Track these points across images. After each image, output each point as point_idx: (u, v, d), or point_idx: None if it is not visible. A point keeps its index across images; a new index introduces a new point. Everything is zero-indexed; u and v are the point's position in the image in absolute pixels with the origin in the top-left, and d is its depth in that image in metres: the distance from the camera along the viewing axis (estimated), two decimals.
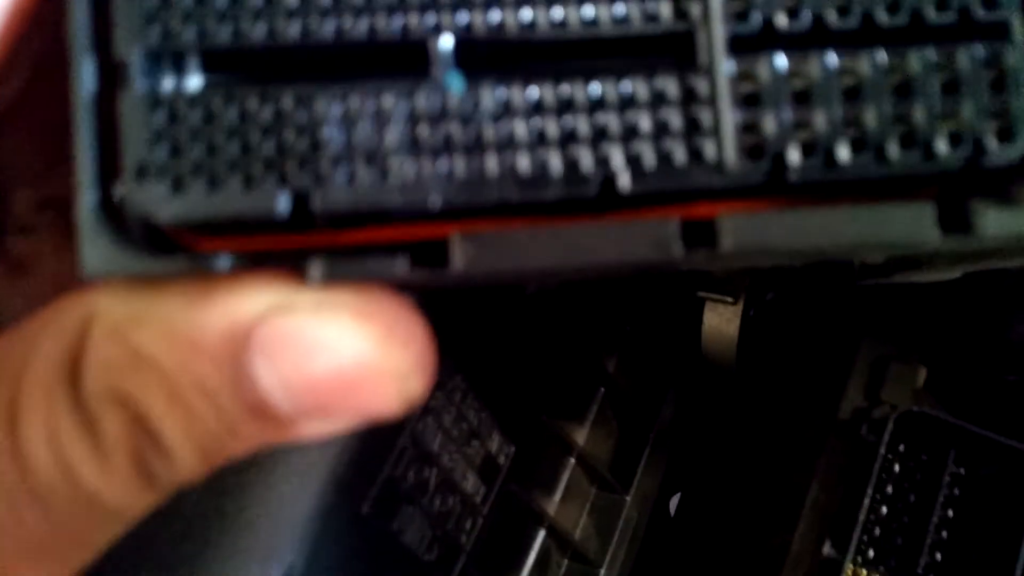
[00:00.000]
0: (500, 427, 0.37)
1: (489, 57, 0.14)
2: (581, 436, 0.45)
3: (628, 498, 0.47)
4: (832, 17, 0.14)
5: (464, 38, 0.14)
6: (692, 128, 0.14)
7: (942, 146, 0.14)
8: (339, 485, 0.27)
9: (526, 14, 0.14)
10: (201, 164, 0.14)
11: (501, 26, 0.14)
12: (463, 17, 0.14)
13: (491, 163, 0.14)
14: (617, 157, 0.14)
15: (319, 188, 0.14)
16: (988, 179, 0.15)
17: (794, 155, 0.14)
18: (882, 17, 0.14)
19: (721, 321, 0.44)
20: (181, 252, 0.14)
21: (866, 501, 0.36)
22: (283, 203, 0.14)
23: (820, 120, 0.14)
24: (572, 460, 0.44)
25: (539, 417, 0.41)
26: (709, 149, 0.14)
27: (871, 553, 0.38)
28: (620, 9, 0.14)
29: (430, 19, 0.14)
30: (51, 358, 0.14)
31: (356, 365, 0.14)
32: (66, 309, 0.14)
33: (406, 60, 0.14)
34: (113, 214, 0.14)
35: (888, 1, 0.14)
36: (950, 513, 0.38)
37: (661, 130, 0.14)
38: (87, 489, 0.14)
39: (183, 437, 0.14)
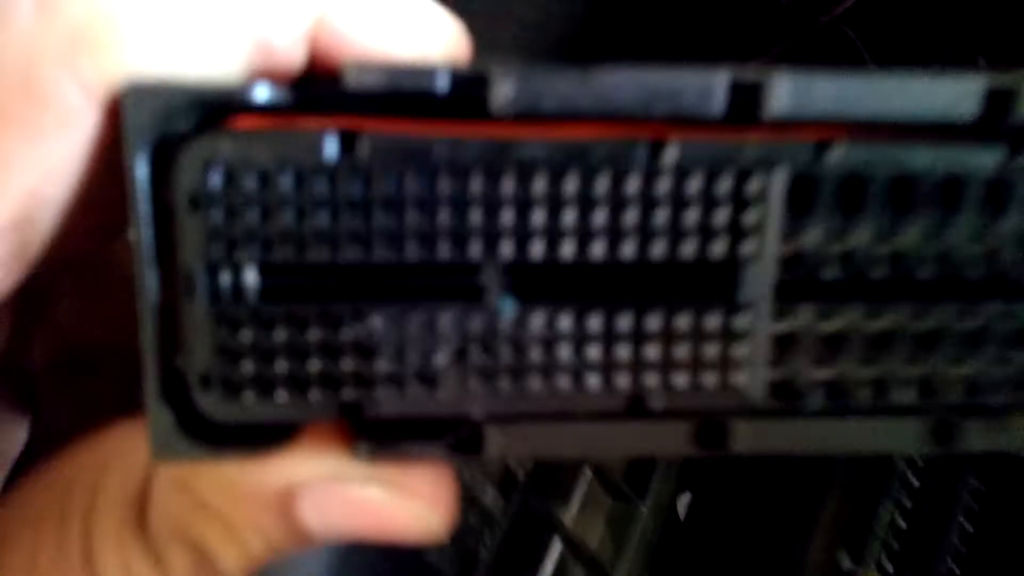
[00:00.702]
0: None
1: (540, 283, 0.15)
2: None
3: (643, 508, 0.47)
4: (876, 273, 0.16)
5: (518, 263, 0.15)
6: (727, 360, 0.16)
7: (951, 395, 0.16)
8: None
9: (578, 242, 0.15)
10: (257, 376, 0.15)
11: (554, 253, 0.15)
12: (518, 243, 0.15)
13: (534, 383, 0.16)
14: (653, 380, 0.16)
15: (369, 401, 0.15)
16: (984, 410, 0.17)
17: (816, 398, 0.16)
18: (920, 273, 0.16)
19: None
20: (236, 446, 0.16)
21: (883, 512, 0.36)
22: (331, 414, 0.15)
23: (844, 366, 0.16)
24: (588, 471, 0.44)
25: None
26: (740, 380, 0.16)
27: (889, 567, 0.38)
28: (670, 244, 0.15)
29: (486, 244, 0.15)
30: (119, 502, 0.17)
31: (387, 522, 0.17)
32: (124, 454, 0.17)
33: (461, 282, 0.15)
34: (176, 407, 0.15)
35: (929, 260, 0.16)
36: (968, 527, 0.38)
37: (699, 360, 0.16)
38: None
39: (236, 564, 0.17)
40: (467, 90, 0.15)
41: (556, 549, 0.41)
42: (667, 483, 0.49)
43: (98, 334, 0.21)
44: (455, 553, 0.33)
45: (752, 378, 0.16)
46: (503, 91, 0.15)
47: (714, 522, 0.51)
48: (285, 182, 0.14)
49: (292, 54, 0.16)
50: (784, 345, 0.16)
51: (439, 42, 0.17)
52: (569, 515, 0.43)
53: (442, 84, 0.15)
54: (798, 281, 0.16)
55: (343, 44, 0.16)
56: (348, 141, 0.15)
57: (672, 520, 0.49)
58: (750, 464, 0.51)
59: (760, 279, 0.16)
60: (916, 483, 0.38)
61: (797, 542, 0.41)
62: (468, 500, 0.34)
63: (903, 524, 0.38)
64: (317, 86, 0.16)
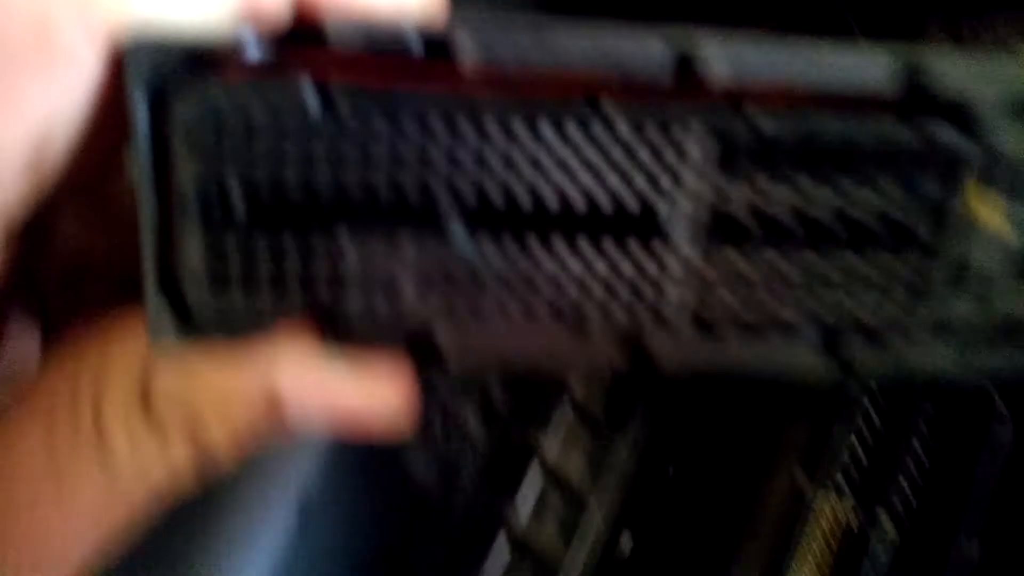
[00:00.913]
0: (501, 378, 0.40)
1: (495, 219, 0.18)
2: (577, 385, 0.47)
3: (621, 443, 0.50)
4: (786, 223, 0.19)
5: (474, 201, 0.18)
6: (656, 292, 0.19)
7: (848, 329, 0.19)
8: None
9: (531, 187, 0.18)
10: (240, 278, 0.18)
11: (510, 195, 0.18)
12: (474, 183, 0.17)
13: (486, 304, 0.18)
14: (592, 307, 0.18)
15: (339, 307, 0.18)
16: (876, 341, 0.20)
17: (729, 327, 0.19)
18: (828, 224, 0.19)
19: None
20: (223, 334, 0.18)
21: (841, 440, 0.39)
22: (306, 314, 0.18)
23: (756, 301, 0.19)
24: (568, 408, 0.47)
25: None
26: (666, 309, 0.19)
27: (847, 489, 0.40)
28: (609, 191, 0.18)
29: (446, 182, 0.17)
30: (125, 387, 0.19)
31: (360, 415, 0.19)
32: (126, 345, 0.19)
33: (423, 214, 0.18)
34: (171, 301, 0.18)
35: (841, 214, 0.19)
36: (917, 446, 0.40)
37: (632, 291, 0.19)
38: (155, 478, 0.19)
39: (227, 446, 0.19)
40: (435, 46, 0.17)
41: (536, 478, 0.44)
42: (643, 419, 0.52)
43: (101, 257, 0.24)
44: (439, 472, 0.35)
45: (676, 308, 0.19)
46: (466, 48, 0.17)
47: (687, 453, 0.53)
48: (267, 127, 0.17)
49: (278, 11, 0.18)
50: (704, 281, 0.19)
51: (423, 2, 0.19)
52: (549, 447, 0.45)
53: (413, 41, 0.17)
54: (720, 227, 0.19)
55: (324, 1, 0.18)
56: (326, 93, 0.17)
57: (648, 455, 0.52)
58: (719, 400, 0.53)
59: (688, 224, 0.18)
60: (868, 407, 0.41)
61: (762, 469, 0.43)
62: (450, 425, 0.36)
63: (861, 450, 0.41)
64: (300, 42, 0.18)
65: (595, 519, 0.48)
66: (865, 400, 0.41)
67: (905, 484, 0.40)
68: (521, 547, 0.43)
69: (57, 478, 0.19)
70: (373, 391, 0.19)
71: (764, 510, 0.42)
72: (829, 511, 0.41)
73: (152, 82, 0.17)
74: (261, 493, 0.29)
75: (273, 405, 0.19)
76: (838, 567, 0.40)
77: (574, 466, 0.48)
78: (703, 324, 0.19)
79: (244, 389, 0.19)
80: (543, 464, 0.45)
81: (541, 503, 0.45)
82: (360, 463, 0.31)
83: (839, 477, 0.40)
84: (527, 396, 0.43)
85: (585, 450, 0.49)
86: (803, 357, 0.20)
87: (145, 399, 0.19)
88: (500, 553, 0.42)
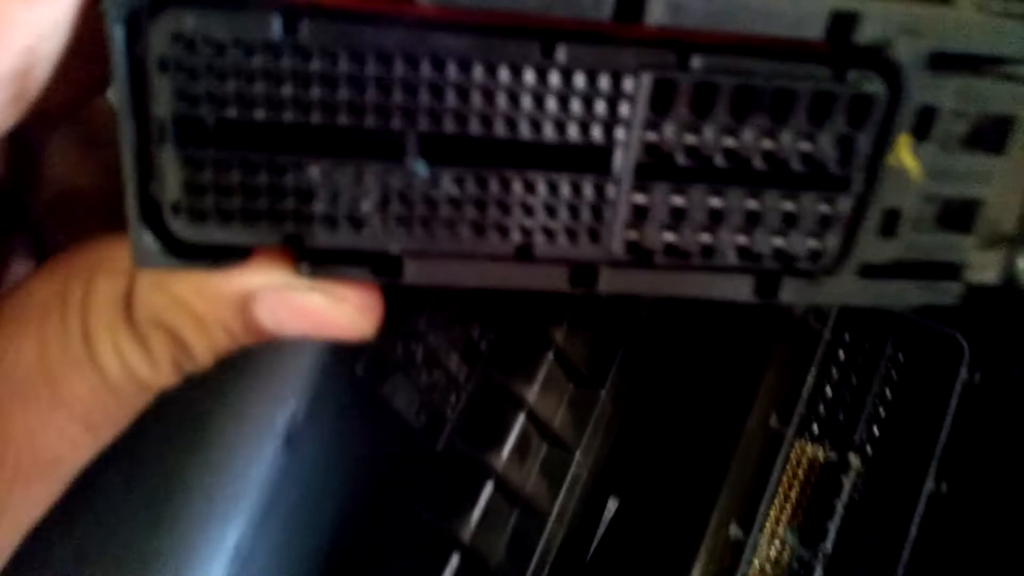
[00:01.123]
0: (481, 316, 0.41)
1: (451, 151, 0.19)
2: (559, 334, 0.48)
3: (603, 393, 0.51)
4: (717, 162, 0.20)
5: (432, 134, 0.18)
6: (597, 221, 0.20)
7: (772, 260, 0.21)
8: (335, 346, 0.31)
9: (482, 121, 0.18)
10: (216, 208, 0.18)
11: (461, 126, 0.18)
12: (432, 118, 0.18)
13: (442, 229, 0.19)
14: (539, 233, 0.20)
15: (309, 233, 0.19)
16: (798, 273, 0.21)
17: (662, 256, 0.20)
18: (757, 163, 0.20)
19: None
20: (202, 259, 0.19)
21: (809, 380, 0.40)
22: (278, 240, 0.19)
23: (687, 233, 0.20)
24: (550, 355, 0.48)
25: (518, 311, 0.45)
26: (605, 237, 0.20)
27: (815, 428, 0.42)
28: (557, 128, 0.19)
29: (405, 116, 0.18)
30: (109, 296, 0.20)
31: (326, 323, 0.21)
32: (112, 257, 0.20)
33: (384, 146, 0.18)
34: (152, 227, 0.19)
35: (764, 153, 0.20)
36: (887, 393, 0.42)
37: (575, 219, 0.20)
38: (141, 380, 0.21)
39: (205, 350, 0.21)
40: None
41: (519, 420, 0.45)
42: (626, 372, 0.53)
43: (85, 180, 0.25)
44: (421, 406, 0.37)
45: (615, 236, 0.20)
46: None
47: (668, 400, 0.55)
48: (236, 52, 0.17)
49: None
50: (640, 212, 0.20)
51: None
52: (532, 394, 0.47)
53: None
54: (656, 164, 0.20)
55: None
56: (291, 21, 0.17)
57: (631, 405, 0.53)
58: (696, 351, 0.54)
59: (626, 160, 0.19)
60: (841, 355, 0.42)
61: (740, 415, 0.44)
62: (432, 362, 0.37)
63: (832, 395, 0.42)
64: None
65: (581, 466, 0.50)
66: (838, 348, 0.42)
67: (875, 427, 0.41)
68: (505, 489, 0.45)
69: (50, 380, 0.20)
70: (343, 310, 0.21)
71: (742, 453, 0.43)
72: (803, 453, 0.42)
73: (127, 11, 0.17)
74: (248, 425, 0.30)
75: (245, 321, 0.20)
76: (812, 506, 0.41)
77: (559, 417, 0.50)
78: (639, 251, 0.20)
79: (219, 310, 0.20)
80: (529, 413, 0.46)
81: (525, 448, 0.46)
82: (344, 397, 0.32)
83: (812, 421, 0.41)
84: (510, 346, 0.44)
85: (569, 401, 0.50)
86: (730, 284, 0.21)
87: (128, 314, 0.20)
88: (486, 495, 0.43)
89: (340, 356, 0.31)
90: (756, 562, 0.41)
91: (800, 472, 0.42)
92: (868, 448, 0.41)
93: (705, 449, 0.47)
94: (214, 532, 0.28)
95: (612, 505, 0.58)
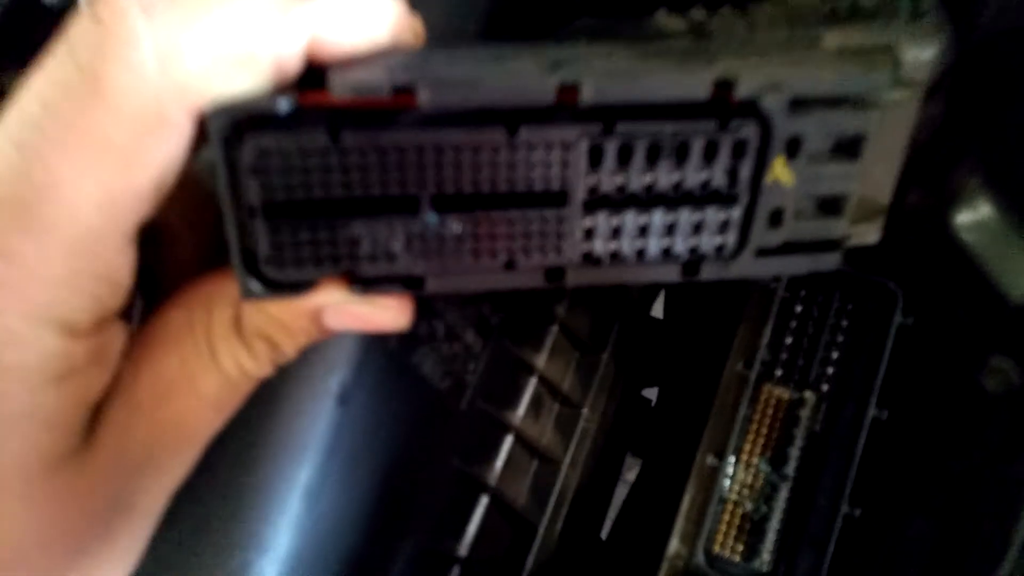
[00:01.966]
0: (491, 297, 0.49)
1: (455, 203, 0.26)
2: (562, 309, 0.56)
3: (604, 356, 0.59)
4: (640, 193, 0.26)
5: (440, 194, 0.26)
6: (559, 240, 0.27)
7: (687, 256, 0.28)
8: None
9: (472, 183, 0.26)
10: (294, 257, 0.26)
11: (457, 187, 0.26)
12: (437, 184, 0.25)
13: (452, 257, 0.27)
14: (520, 253, 0.27)
15: (357, 267, 0.26)
16: (717, 258, 0.28)
17: (608, 259, 0.27)
18: (669, 192, 0.27)
19: None
20: (287, 290, 0.26)
21: (767, 331, 0.47)
22: (337, 274, 0.26)
23: (624, 241, 0.27)
24: (555, 328, 0.55)
25: (523, 294, 0.52)
26: (567, 251, 0.27)
27: (779, 372, 0.49)
28: (526, 182, 0.26)
29: (418, 185, 0.25)
30: (225, 318, 0.27)
31: (374, 323, 0.28)
32: (224, 290, 0.27)
33: (406, 205, 0.26)
34: (251, 270, 0.26)
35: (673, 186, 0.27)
36: (839, 338, 0.49)
37: (543, 241, 0.27)
38: (250, 374, 0.29)
39: (292, 348, 0.28)
40: (403, 92, 0.23)
41: (531, 383, 0.53)
42: (625, 336, 0.61)
43: (197, 237, 0.31)
44: (445, 373, 0.45)
45: (573, 249, 0.27)
46: (423, 97, 0.23)
47: (661, 359, 0.62)
48: (299, 156, 0.24)
49: (296, 65, 0.25)
50: (589, 232, 0.26)
51: (392, 31, 0.27)
52: (541, 361, 0.54)
53: (384, 93, 0.23)
54: (597, 199, 0.26)
55: (327, 50, 0.25)
56: (334, 132, 0.23)
57: (629, 366, 0.61)
58: (682, 318, 0.62)
59: (576, 198, 0.26)
60: (799, 308, 0.50)
61: (717, 366, 0.52)
62: (452, 336, 0.45)
63: (791, 344, 0.50)
64: (311, 87, 0.24)
65: (589, 421, 0.58)
66: (795, 303, 0.49)
67: (828, 367, 0.49)
68: (524, 442, 0.53)
69: (190, 380, 0.28)
70: (385, 313, 0.28)
71: (721, 397, 0.51)
72: (771, 394, 0.50)
73: (225, 134, 0.23)
74: (309, 388, 0.38)
75: (318, 326, 0.28)
76: (779, 437, 0.49)
77: (567, 379, 0.57)
78: (592, 258, 0.27)
79: (301, 321, 0.28)
80: (540, 378, 0.54)
81: (539, 407, 0.54)
82: (381, 365, 0.40)
83: (776, 366, 0.49)
84: (519, 321, 0.52)
85: (576, 366, 0.58)
86: (663, 270, 0.28)
87: (239, 330, 0.28)
88: (507, 446, 0.51)
89: (377, 335, 0.39)
90: (736, 487, 0.48)
91: (769, 411, 0.49)
92: (823, 385, 0.48)
93: (692, 397, 0.55)
94: (288, 472, 0.37)
95: (628, 461, 0.66)
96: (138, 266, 0.26)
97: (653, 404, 0.69)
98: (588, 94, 0.24)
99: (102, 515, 0.28)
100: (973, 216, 0.47)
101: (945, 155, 0.49)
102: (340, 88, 0.24)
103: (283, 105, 0.24)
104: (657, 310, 0.69)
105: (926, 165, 0.49)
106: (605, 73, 0.25)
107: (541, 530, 0.52)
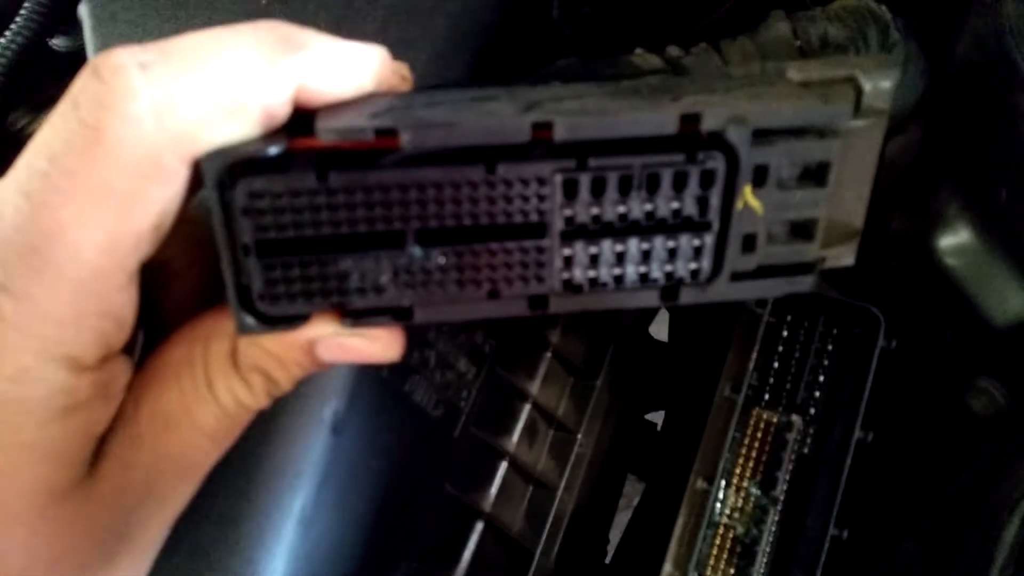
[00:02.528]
0: (483, 325, 0.50)
1: (437, 236, 0.27)
2: (554, 335, 0.57)
3: (598, 383, 0.59)
4: (615, 222, 0.27)
5: (423, 228, 0.27)
6: (540, 270, 0.28)
7: (663, 281, 0.29)
8: None
9: (454, 216, 0.27)
10: (286, 293, 0.27)
11: (440, 221, 0.27)
12: (421, 219, 0.26)
13: (437, 288, 0.28)
14: (503, 282, 0.28)
15: (348, 300, 0.27)
16: (694, 283, 0.29)
17: (587, 286, 0.28)
18: (642, 221, 0.28)
19: None
20: (281, 324, 0.27)
21: (754, 355, 0.48)
22: (328, 307, 0.28)
23: (602, 268, 0.28)
24: (548, 354, 0.56)
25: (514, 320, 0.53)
26: (547, 279, 0.28)
27: (767, 396, 0.50)
28: (505, 215, 0.27)
29: (402, 221, 0.26)
30: (222, 353, 0.28)
31: (365, 355, 0.29)
32: (220, 326, 0.29)
33: (391, 240, 0.27)
34: (246, 306, 0.27)
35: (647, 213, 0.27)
36: (825, 362, 0.50)
37: (525, 270, 0.28)
38: (246, 407, 0.30)
39: (287, 380, 0.29)
40: (386, 135, 0.24)
41: (525, 410, 0.54)
42: (618, 363, 0.62)
43: (195, 274, 0.32)
44: (438, 401, 0.46)
45: (554, 278, 0.28)
46: (405, 139, 0.24)
47: (654, 387, 0.63)
48: (289, 197, 0.25)
49: (284, 112, 0.26)
50: (568, 261, 0.27)
51: (376, 77, 0.29)
52: (535, 387, 0.55)
53: (368, 136, 0.24)
54: (573, 229, 0.26)
55: (314, 97, 0.26)
56: (322, 174, 0.24)
57: (624, 392, 0.62)
58: (674, 344, 0.63)
59: (554, 228, 0.27)
60: (785, 333, 0.51)
61: (708, 389, 0.53)
62: (444, 364, 0.46)
63: (776, 364, 0.50)
64: (299, 133, 0.25)
65: (584, 447, 0.58)
66: (781, 328, 0.50)
67: (815, 390, 0.50)
68: (519, 468, 0.53)
69: (188, 414, 0.29)
70: (376, 345, 0.29)
71: (712, 422, 0.51)
72: (761, 419, 0.50)
73: (219, 178, 0.24)
74: (303, 418, 0.39)
75: (312, 359, 0.29)
76: (768, 461, 0.50)
77: (562, 406, 0.58)
78: (572, 285, 0.28)
79: (294, 353, 0.29)
80: (534, 404, 0.55)
81: (533, 433, 0.55)
82: (374, 395, 0.41)
83: (764, 390, 0.50)
84: (511, 348, 0.53)
85: (570, 392, 0.59)
86: (643, 296, 0.29)
87: (235, 364, 0.29)
88: (502, 473, 0.52)
89: (369, 364, 0.41)
90: (727, 511, 0.49)
91: (759, 434, 0.50)
92: (810, 408, 0.49)
93: (687, 421, 0.56)
94: (283, 500, 0.38)
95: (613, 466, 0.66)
96: (140, 303, 0.27)
97: (658, 428, 0.70)
98: (561, 131, 0.25)
99: (105, 544, 0.29)
100: (955, 241, 0.48)
101: (925, 181, 0.50)
102: (326, 133, 0.25)
103: (273, 149, 0.25)
104: (662, 333, 0.71)
105: (908, 191, 0.50)
106: (577, 111, 0.26)
107: (537, 556, 0.53)
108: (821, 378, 0.49)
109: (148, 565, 0.31)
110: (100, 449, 0.28)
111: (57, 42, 0.51)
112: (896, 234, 0.52)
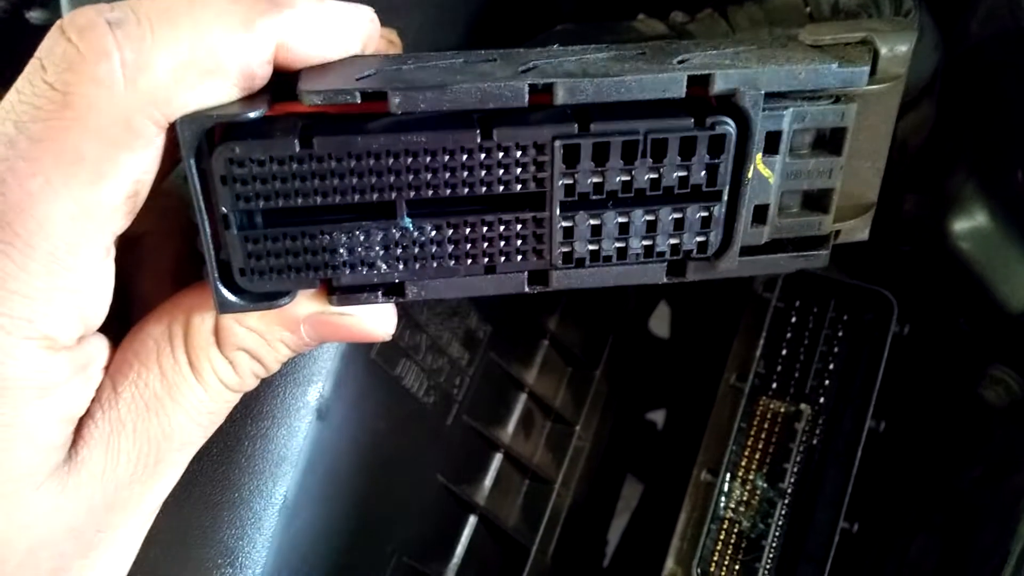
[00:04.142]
0: (477, 309, 0.48)
1: (431, 207, 0.25)
2: (553, 322, 0.55)
3: (597, 373, 0.57)
4: (620, 191, 0.26)
5: (415, 198, 0.25)
6: (540, 242, 0.26)
7: (670, 255, 0.27)
8: None
9: (449, 186, 0.25)
10: (269, 268, 0.25)
11: (433, 191, 0.25)
12: (412, 188, 0.25)
13: (429, 261, 0.26)
14: (501, 255, 0.26)
15: (336, 276, 0.26)
16: (698, 258, 0.27)
17: (587, 259, 0.27)
18: (647, 190, 0.26)
19: None
20: (265, 301, 0.26)
21: (761, 342, 0.46)
22: (315, 284, 0.26)
23: (605, 241, 0.26)
24: (546, 342, 0.55)
25: (510, 304, 0.52)
26: (548, 251, 0.26)
27: (775, 385, 0.48)
28: (503, 182, 0.25)
29: (394, 190, 0.25)
30: (203, 331, 0.28)
31: (355, 333, 0.28)
32: (201, 303, 0.28)
33: (383, 210, 0.25)
34: (227, 282, 0.26)
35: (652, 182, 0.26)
36: (835, 349, 0.48)
37: (525, 242, 0.26)
38: (232, 388, 0.29)
39: (273, 361, 0.28)
40: (374, 98, 0.23)
41: (521, 400, 0.52)
42: (618, 352, 0.60)
43: (173, 249, 0.31)
44: (430, 387, 0.44)
45: (554, 251, 0.26)
46: (394, 102, 0.23)
47: (655, 377, 0.61)
48: (271, 164, 0.23)
49: (265, 73, 0.25)
50: (568, 233, 0.26)
51: (363, 40, 0.27)
52: (531, 377, 0.53)
53: (355, 99, 0.23)
54: (574, 199, 0.26)
55: (296, 58, 0.25)
56: (305, 139, 0.23)
57: (622, 381, 0.60)
58: (685, 326, 0.61)
59: (555, 199, 0.25)
60: (793, 319, 0.49)
61: (714, 377, 0.51)
62: (436, 349, 0.44)
63: (784, 351, 0.48)
64: (281, 99, 0.24)
65: (583, 439, 0.56)
66: (790, 313, 0.48)
67: (824, 378, 0.48)
68: (514, 460, 0.51)
69: (172, 395, 0.28)
70: (365, 322, 0.28)
71: (717, 413, 0.49)
72: (768, 409, 0.48)
73: (195, 144, 0.23)
74: (287, 402, 0.37)
75: (299, 338, 0.28)
76: (774, 453, 0.48)
77: (559, 396, 0.56)
78: (573, 259, 0.26)
79: (280, 333, 0.28)
80: (530, 394, 0.53)
81: (530, 424, 0.53)
82: (362, 378, 0.39)
83: (772, 379, 0.48)
84: (508, 334, 0.51)
85: (568, 382, 0.57)
86: (649, 271, 0.27)
87: (218, 339, 0.28)
88: (496, 464, 0.50)
89: (357, 344, 0.39)
90: (732, 504, 0.47)
91: (765, 424, 0.48)
92: (820, 397, 0.47)
93: (689, 414, 0.54)
94: (266, 487, 0.36)
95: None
96: (116, 279, 0.26)
97: (659, 427, 0.68)
98: (561, 94, 0.24)
99: (84, 534, 0.27)
100: (969, 224, 0.46)
101: (939, 162, 0.48)
102: (310, 96, 0.24)
103: (253, 113, 0.24)
104: (662, 329, 0.69)
105: (921, 171, 0.49)
106: (578, 74, 0.24)
107: (533, 552, 0.51)
108: (831, 366, 0.47)
109: (132, 555, 0.30)
110: (78, 433, 0.27)
111: (34, 15, 0.49)
112: (909, 217, 0.51)
